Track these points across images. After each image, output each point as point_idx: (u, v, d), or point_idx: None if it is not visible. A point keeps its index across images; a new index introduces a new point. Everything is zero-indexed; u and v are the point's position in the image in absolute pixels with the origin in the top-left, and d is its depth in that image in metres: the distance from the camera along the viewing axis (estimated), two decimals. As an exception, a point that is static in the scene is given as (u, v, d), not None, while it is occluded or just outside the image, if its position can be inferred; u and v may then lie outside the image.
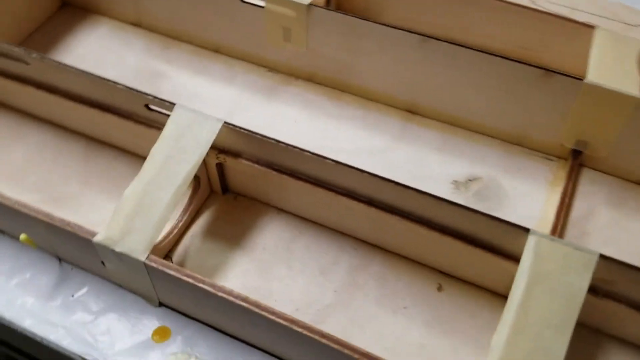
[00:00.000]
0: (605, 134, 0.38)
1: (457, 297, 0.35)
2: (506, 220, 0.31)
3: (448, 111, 0.43)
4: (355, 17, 0.41)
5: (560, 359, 0.27)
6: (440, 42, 0.38)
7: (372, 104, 0.45)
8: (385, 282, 0.36)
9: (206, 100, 0.46)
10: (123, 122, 0.38)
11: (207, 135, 0.34)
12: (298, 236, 0.38)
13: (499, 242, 0.32)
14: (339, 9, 0.49)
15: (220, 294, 0.31)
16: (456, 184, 0.40)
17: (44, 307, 0.37)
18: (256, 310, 0.30)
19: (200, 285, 0.31)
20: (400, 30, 0.39)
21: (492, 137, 0.42)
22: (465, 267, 0.35)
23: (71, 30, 0.50)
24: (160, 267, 0.32)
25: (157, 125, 0.37)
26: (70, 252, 0.36)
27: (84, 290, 0.37)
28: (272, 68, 0.47)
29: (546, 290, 0.28)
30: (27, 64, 0.39)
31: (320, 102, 0.45)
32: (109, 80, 0.37)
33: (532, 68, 0.38)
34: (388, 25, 0.40)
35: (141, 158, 0.41)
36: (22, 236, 0.35)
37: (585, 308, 0.28)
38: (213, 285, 0.31)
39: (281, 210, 0.39)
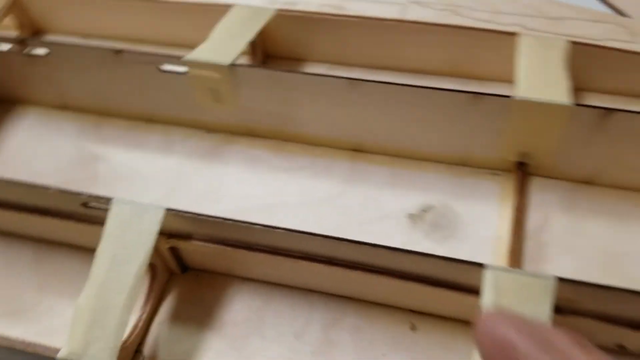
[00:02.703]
0: (544, 142, 0.38)
1: (431, 333, 0.35)
2: (460, 259, 0.31)
3: (392, 145, 0.43)
4: (279, 70, 0.40)
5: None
6: (368, 82, 0.38)
7: (317, 149, 0.45)
8: (361, 333, 0.36)
9: (147, 175, 0.45)
10: (65, 223, 0.37)
11: (151, 226, 0.34)
12: (267, 302, 0.38)
13: (459, 279, 0.32)
14: (265, 54, 0.49)
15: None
16: (412, 217, 0.40)
17: None
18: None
19: (173, 385, 0.30)
20: (327, 77, 0.39)
21: (439, 162, 0.43)
22: (434, 304, 0.35)
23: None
24: (129, 374, 0.31)
25: (100, 220, 0.36)
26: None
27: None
28: (210, 129, 0.47)
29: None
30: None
31: (264, 156, 0.45)
32: (39, 186, 0.36)
33: (460, 94, 0.38)
34: (313, 74, 0.39)
35: (93, 251, 0.40)
36: (-19, 366, 0.33)
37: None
38: (186, 383, 0.30)
39: (246, 279, 0.39)
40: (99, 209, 0.36)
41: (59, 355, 0.32)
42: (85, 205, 0.36)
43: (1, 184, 0.36)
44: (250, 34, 0.44)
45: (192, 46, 0.50)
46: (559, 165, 0.40)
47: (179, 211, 0.34)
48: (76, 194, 0.35)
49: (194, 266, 0.39)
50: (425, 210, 0.41)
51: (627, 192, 0.40)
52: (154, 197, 0.43)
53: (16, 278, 0.40)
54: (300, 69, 0.49)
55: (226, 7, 0.47)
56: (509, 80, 0.45)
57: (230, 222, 0.33)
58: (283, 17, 0.47)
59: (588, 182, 0.40)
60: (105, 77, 0.45)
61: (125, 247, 0.33)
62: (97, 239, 0.38)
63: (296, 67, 0.49)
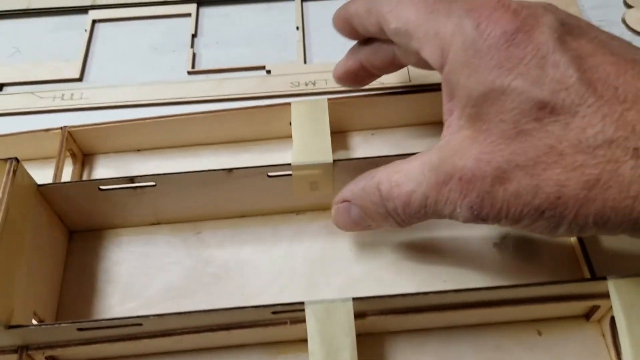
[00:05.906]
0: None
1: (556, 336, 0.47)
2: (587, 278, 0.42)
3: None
4: (372, 157, 0.49)
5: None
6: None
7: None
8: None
9: (264, 267, 0.51)
10: (249, 331, 0.44)
11: (348, 315, 0.41)
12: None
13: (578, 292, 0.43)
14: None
15: None
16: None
17: None
18: None
19: None
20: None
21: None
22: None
23: (101, 256, 0.52)
24: None
25: (282, 321, 0.43)
26: None
27: None
28: (299, 211, 0.54)
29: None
30: (140, 325, 0.42)
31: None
32: (231, 308, 0.42)
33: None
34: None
35: (269, 344, 0.47)
36: None
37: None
38: None
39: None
40: (288, 312, 0.43)
41: None
42: (274, 312, 0.43)
43: (195, 318, 0.42)
44: (325, 127, 0.52)
45: (247, 141, 0.57)
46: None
47: (365, 297, 0.42)
48: (269, 306, 0.42)
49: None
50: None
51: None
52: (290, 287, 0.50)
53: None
54: (341, 141, 0.58)
55: (281, 107, 0.55)
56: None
57: (404, 295, 0.42)
58: (332, 104, 0.55)
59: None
60: (210, 192, 0.50)
61: (334, 337, 0.41)
62: (276, 334, 0.45)
63: (337, 140, 0.58)
